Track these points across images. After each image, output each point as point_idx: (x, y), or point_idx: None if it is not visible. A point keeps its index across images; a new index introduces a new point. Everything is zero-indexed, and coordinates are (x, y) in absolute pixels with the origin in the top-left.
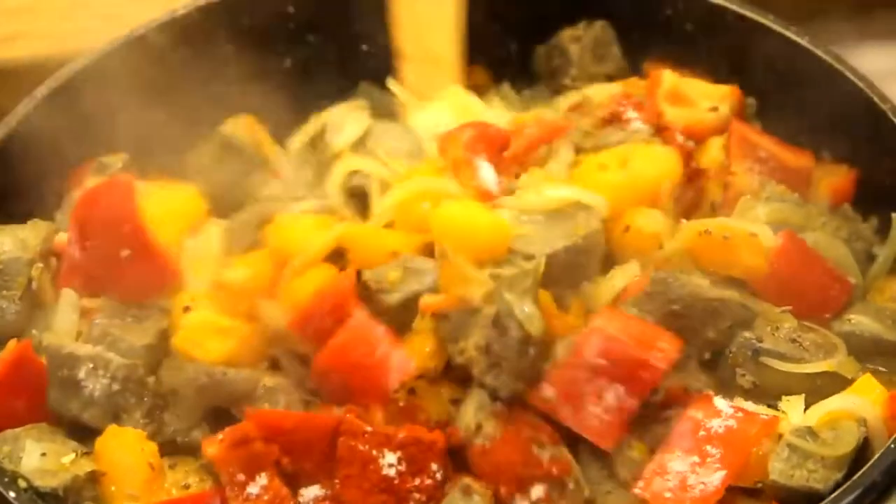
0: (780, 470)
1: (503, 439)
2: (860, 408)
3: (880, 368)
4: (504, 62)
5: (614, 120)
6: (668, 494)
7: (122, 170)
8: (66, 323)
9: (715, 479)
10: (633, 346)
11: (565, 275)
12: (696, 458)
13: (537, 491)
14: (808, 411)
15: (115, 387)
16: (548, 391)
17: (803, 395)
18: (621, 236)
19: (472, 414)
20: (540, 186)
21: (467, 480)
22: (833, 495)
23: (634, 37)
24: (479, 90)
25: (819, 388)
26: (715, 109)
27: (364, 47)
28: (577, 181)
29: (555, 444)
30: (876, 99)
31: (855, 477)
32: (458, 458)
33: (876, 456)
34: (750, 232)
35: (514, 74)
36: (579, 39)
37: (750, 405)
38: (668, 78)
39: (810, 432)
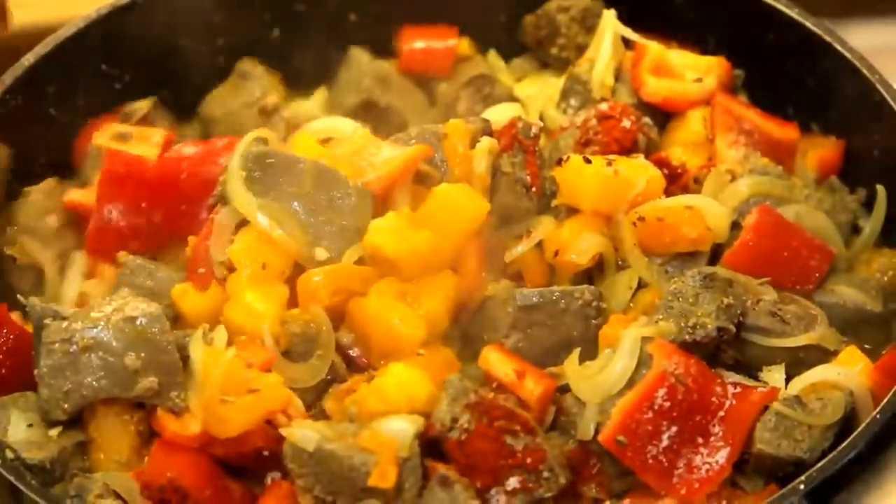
0: (767, 439)
1: (477, 432)
2: (846, 378)
3: (866, 346)
4: (492, 30)
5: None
6: (675, 480)
7: (149, 115)
8: (70, 291)
9: (720, 457)
10: (694, 391)
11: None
12: (699, 439)
13: (513, 482)
14: (792, 382)
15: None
16: (620, 437)
17: (783, 365)
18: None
19: (447, 407)
20: None
21: (444, 471)
22: (818, 465)
23: (623, 8)
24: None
25: (801, 359)
26: (699, 81)
27: (352, 16)
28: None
29: (529, 433)
30: (865, 71)
31: (840, 447)
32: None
33: (861, 426)
34: (685, 206)
35: (503, 44)
36: (567, 10)
37: (738, 378)
38: (654, 50)
39: (798, 401)
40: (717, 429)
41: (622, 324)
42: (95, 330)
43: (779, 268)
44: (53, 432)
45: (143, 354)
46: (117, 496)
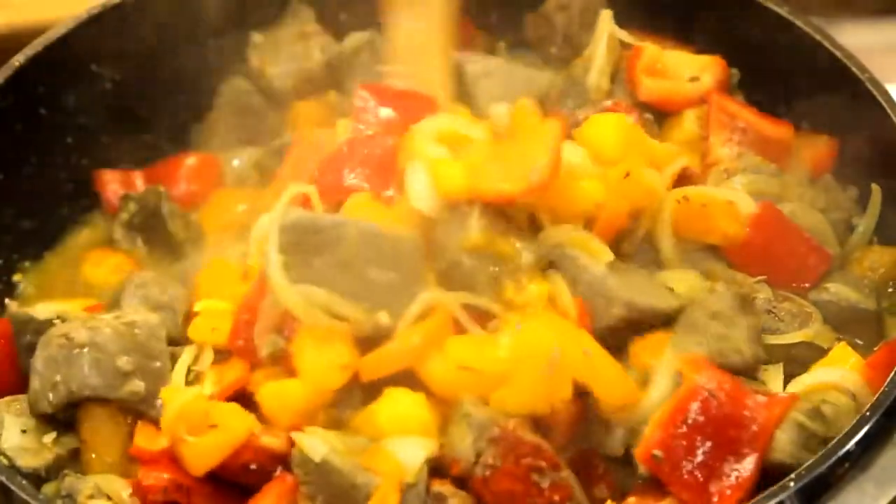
0: (789, 451)
1: (503, 470)
2: (847, 381)
3: (857, 341)
4: (497, 29)
5: None
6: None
7: None
8: None
9: (748, 463)
10: (727, 404)
11: None
12: (731, 451)
13: None
14: (792, 383)
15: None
16: (657, 452)
17: (781, 365)
18: (618, 182)
19: (471, 443)
20: None
21: (438, 487)
22: (808, 463)
23: (619, 8)
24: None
25: (794, 357)
26: (695, 80)
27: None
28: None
29: (554, 469)
30: (855, 69)
31: (830, 444)
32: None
33: (850, 424)
34: (727, 199)
35: (510, 42)
36: (566, 8)
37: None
38: (649, 50)
39: (819, 414)
40: (741, 435)
41: (654, 349)
42: (95, 330)
43: (777, 265)
44: (47, 439)
45: (134, 358)
46: (109, 497)
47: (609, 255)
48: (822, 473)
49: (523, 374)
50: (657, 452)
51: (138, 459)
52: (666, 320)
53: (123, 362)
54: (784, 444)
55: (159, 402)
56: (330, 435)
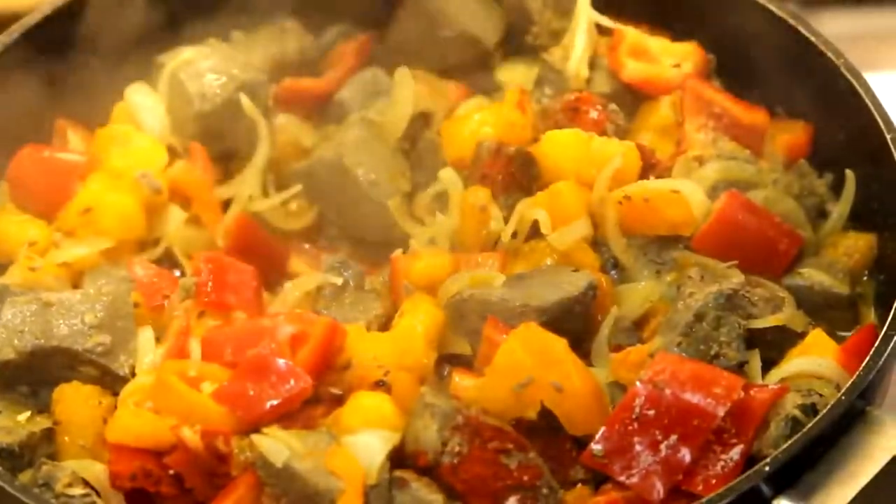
0: (782, 447)
1: (471, 456)
2: (829, 371)
3: (834, 329)
4: None
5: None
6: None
7: None
8: None
9: (734, 454)
10: (685, 394)
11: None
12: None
13: (512, 501)
14: (772, 372)
15: None
16: (595, 446)
17: (758, 352)
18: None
19: (436, 431)
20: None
21: (399, 473)
22: (783, 447)
23: None
24: None
25: (769, 342)
26: (677, 66)
27: None
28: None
29: (521, 450)
30: (830, 55)
31: (805, 427)
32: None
33: (826, 408)
34: (671, 189)
35: None
36: None
37: None
38: (631, 34)
39: (814, 410)
40: (727, 425)
41: (631, 366)
42: (66, 293)
43: (747, 252)
44: (22, 418)
45: (102, 315)
46: (86, 484)
47: (500, 277)
48: (796, 456)
49: (494, 384)
50: (597, 448)
51: (111, 457)
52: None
53: (90, 317)
54: (777, 438)
55: (123, 358)
56: (291, 437)
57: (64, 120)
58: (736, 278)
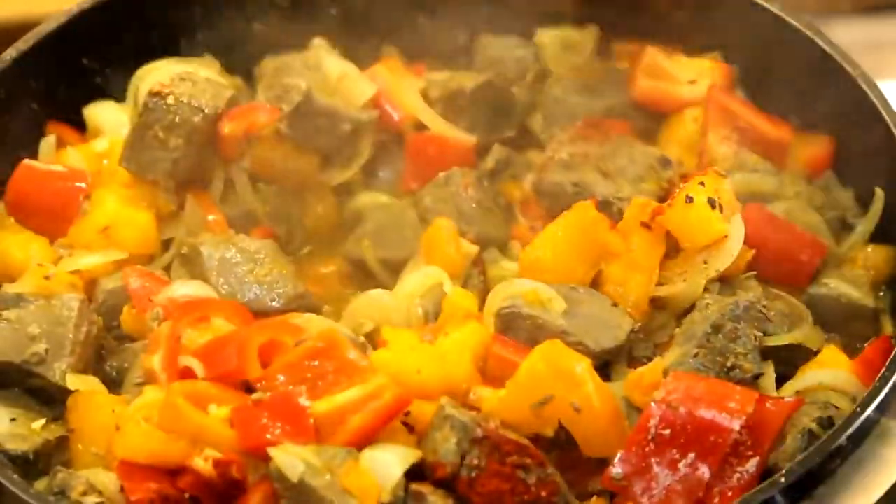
0: (797, 458)
1: (489, 470)
2: (842, 381)
3: (855, 342)
4: None
5: None
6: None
7: None
8: None
9: (750, 466)
10: (699, 411)
11: None
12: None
13: None
14: (787, 385)
15: None
16: (615, 470)
17: (772, 364)
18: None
19: (455, 444)
20: None
21: (415, 486)
22: (799, 458)
23: (612, 12)
24: None
25: (784, 358)
26: (693, 83)
27: None
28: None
29: (540, 466)
30: (847, 66)
31: (821, 441)
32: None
33: (842, 420)
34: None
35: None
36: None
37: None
38: (650, 53)
39: (830, 423)
40: (744, 437)
41: (646, 389)
42: (23, 308)
43: (770, 264)
44: (37, 425)
45: (44, 326)
46: (101, 493)
47: (561, 304)
48: (812, 468)
49: (514, 398)
50: (616, 472)
51: (122, 475)
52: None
53: (33, 328)
54: (794, 451)
55: (56, 365)
56: (307, 451)
57: (65, 129)
58: (753, 291)
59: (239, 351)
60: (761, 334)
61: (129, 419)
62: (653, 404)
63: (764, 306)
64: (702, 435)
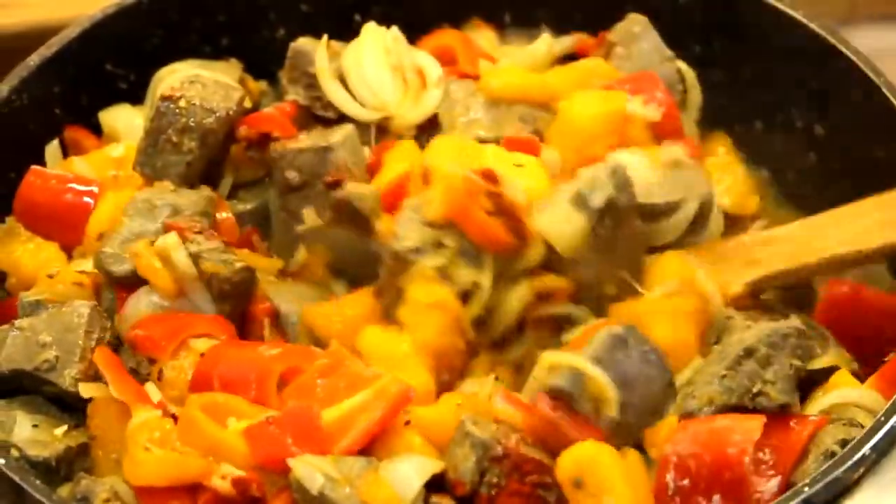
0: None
1: (509, 488)
2: (868, 399)
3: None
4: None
5: None
6: None
7: None
8: None
9: (772, 485)
10: (707, 454)
11: None
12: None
13: None
14: (811, 404)
15: None
16: None
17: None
18: None
19: (475, 462)
20: None
21: (436, 499)
22: (823, 468)
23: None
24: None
25: (807, 376)
26: None
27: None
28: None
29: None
30: (870, 73)
31: (844, 451)
32: None
33: (866, 429)
34: None
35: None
36: None
37: None
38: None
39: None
40: (766, 457)
41: (661, 444)
42: (30, 318)
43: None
44: (59, 432)
45: (55, 333)
46: (124, 501)
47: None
48: (835, 478)
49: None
50: None
51: (140, 496)
52: None
53: (44, 336)
54: (816, 471)
55: (67, 371)
56: (325, 462)
57: (84, 133)
58: (796, 320)
59: (259, 383)
60: (800, 364)
61: (134, 443)
62: (663, 460)
63: (805, 335)
64: (716, 475)
